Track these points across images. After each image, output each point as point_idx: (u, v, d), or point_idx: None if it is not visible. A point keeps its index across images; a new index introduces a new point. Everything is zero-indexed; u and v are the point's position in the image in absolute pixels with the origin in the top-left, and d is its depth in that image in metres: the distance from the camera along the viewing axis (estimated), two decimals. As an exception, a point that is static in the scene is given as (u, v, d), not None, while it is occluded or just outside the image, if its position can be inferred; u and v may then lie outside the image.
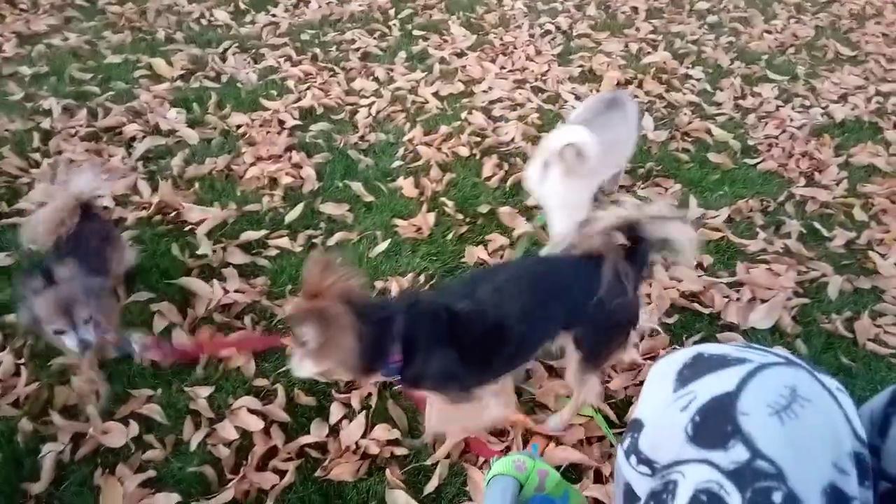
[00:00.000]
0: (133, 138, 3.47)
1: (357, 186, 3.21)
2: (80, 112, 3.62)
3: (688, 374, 0.73)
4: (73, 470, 2.01)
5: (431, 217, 3.04)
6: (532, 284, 1.80)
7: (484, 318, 1.72)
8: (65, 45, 4.32)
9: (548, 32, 4.89)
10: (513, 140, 3.62)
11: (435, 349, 1.70)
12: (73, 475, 1.99)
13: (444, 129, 3.68)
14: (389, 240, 2.90)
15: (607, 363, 2.02)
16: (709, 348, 0.76)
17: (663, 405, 0.73)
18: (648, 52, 4.64)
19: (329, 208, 3.08)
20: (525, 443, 2.14)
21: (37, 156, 3.31)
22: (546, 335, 1.86)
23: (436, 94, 4.04)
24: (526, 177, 2.68)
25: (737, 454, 0.63)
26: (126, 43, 4.38)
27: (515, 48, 4.62)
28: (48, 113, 3.61)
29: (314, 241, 2.90)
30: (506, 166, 3.41)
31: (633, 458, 0.76)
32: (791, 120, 3.95)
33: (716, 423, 0.66)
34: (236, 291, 2.58)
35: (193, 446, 2.06)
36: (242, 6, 4.98)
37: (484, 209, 3.12)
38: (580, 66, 4.44)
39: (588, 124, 2.55)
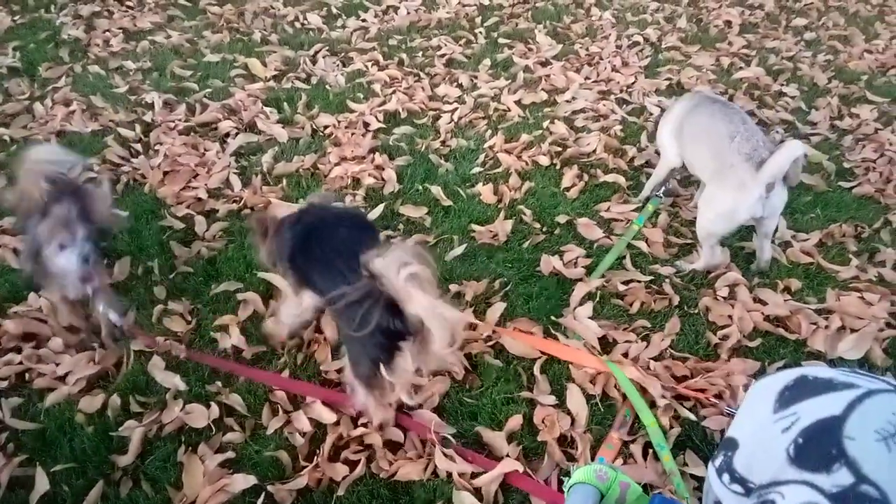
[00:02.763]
0: (227, 134, 3.63)
1: (436, 190, 3.25)
2: (180, 107, 3.82)
3: (790, 396, 0.72)
4: (157, 446, 2.11)
5: (509, 224, 3.05)
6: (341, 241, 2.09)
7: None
8: (167, 43, 4.56)
9: (636, 44, 4.82)
10: (594, 151, 3.59)
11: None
12: (157, 451, 2.10)
13: (525, 137, 3.68)
14: (466, 244, 2.93)
15: (354, 376, 2.03)
16: (813, 371, 0.74)
17: (762, 425, 0.72)
18: (741, 67, 4.50)
19: (408, 210, 3.14)
20: (592, 458, 2.11)
21: (138, 146, 3.51)
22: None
23: (518, 103, 4.05)
24: (741, 204, 2.56)
25: (841, 478, 0.62)
26: (224, 43, 4.59)
27: (601, 59, 4.58)
28: (150, 106, 3.83)
29: (392, 241, 2.95)
30: (586, 177, 3.39)
31: (725, 476, 0.75)
32: (890, 143, 3.74)
33: (820, 446, 0.65)
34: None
35: (270, 431, 2.14)
36: (335, 11, 5.13)
37: (562, 219, 3.11)
38: (668, 78, 4.36)
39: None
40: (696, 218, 3.05)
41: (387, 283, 1.71)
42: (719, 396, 2.27)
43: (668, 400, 2.22)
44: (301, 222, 2.22)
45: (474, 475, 2.01)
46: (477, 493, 1.97)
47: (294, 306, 2.34)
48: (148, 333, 2.44)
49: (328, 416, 2.15)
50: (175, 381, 2.28)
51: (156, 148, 3.49)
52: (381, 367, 1.87)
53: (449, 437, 2.09)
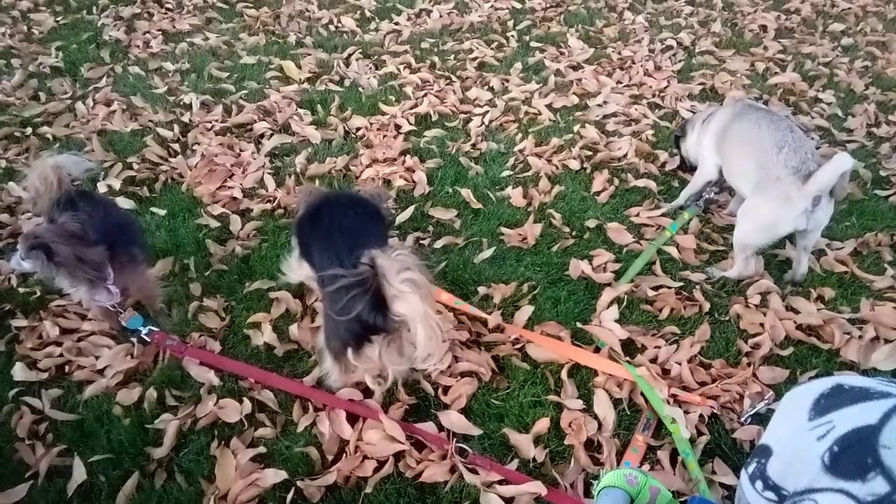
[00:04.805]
0: (262, 135, 3.69)
1: (466, 193, 3.27)
2: (216, 108, 3.90)
3: (826, 404, 0.73)
4: (192, 439, 2.16)
5: (538, 228, 3.06)
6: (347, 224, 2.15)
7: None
8: (205, 45, 4.65)
9: (669, 48, 4.79)
10: (625, 156, 3.58)
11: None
12: (192, 444, 2.15)
13: (555, 141, 3.68)
14: (494, 247, 2.95)
15: (325, 346, 2.14)
16: (849, 380, 0.75)
17: (797, 433, 0.73)
18: (776, 73, 4.44)
19: (438, 212, 3.16)
20: (618, 462, 2.11)
21: (176, 146, 3.59)
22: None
23: (549, 106, 4.04)
24: (785, 217, 2.52)
25: (876, 486, 0.62)
26: (260, 45, 4.67)
27: (634, 63, 4.55)
28: (188, 107, 3.91)
29: (422, 242, 2.98)
30: (616, 182, 3.38)
31: (758, 484, 0.76)
32: (929, 152, 3.68)
33: (855, 455, 0.66)
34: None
35: (300, 428, 2.17)
36: (368, 14, 5.18)
37: (591, 223, 3.10)
38: (701, 83, 4.32)
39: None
40: (728, 225, 3.04)
41: (385, 280, 1.79)
42: (724, 404, 2.27)
43: (672, 405, 2.23)
44: (317, 201, 2.31)
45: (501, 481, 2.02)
46: (507, 500, 1.97)
47: (296, 266, 2.39)
48: (181, 341, 2.47)
49: (347, 432, 2.16)
50: (209, 377, 2.33)
51: (193, 148, 3.57)
52: (349, 350, 1.99)
53: (466, 447, 2.09)
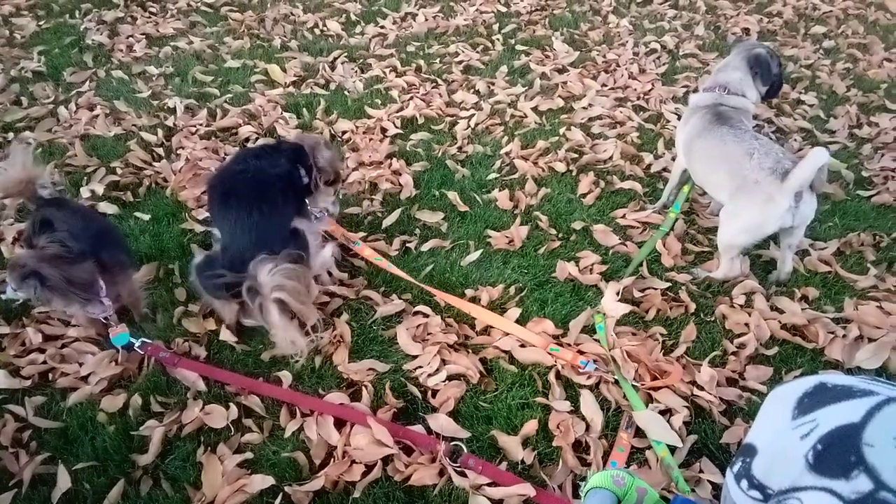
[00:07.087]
0: (247, 139, 3.68)
1: (453, 196, 3.27)
2: (201, 112, 3.88)
3: (809, 403, 0.73)
4: (177, 445, 2.14)
5: (524, 230, 3.07)
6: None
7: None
8: (189, 48, 4.63)
9: (653, 51, 4.82)
10: (611, 158, 3.59)
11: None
12: (177, 450, 2.13)
13: (541, 143, 3.70)
14: (481, 250, 2.95)
15: None
16: (832, 378, 0.75)
17: (781, 432, 0.73)
18: (758, 75, 4.48)
19: (424, 215, 3.16)
20: (605, 463, 2.12)
21: (160, 150, 3.56)
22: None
23: (535, 109, 4.06)
24: (770, 216, 2.53)
25: (860, 484, 0.63)
26: (245, 49, 4.65)
27: (618, 66, 4.58)
28: (172, 111, 3.89)
29: (408, 245, 2.98)
30: (602, 184, 3.39)
31: (743, 483, 0.76)
32: (911, 152, 3.72)
33: (839, 453, 0.66)
34: (336, 291, 2.70)
35: (288, 433, 2.16)
36: (353, 17, 5.17)
37: (577, 225, 3.11)
38: (685, 86, 4.35)
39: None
40: (713, 226, 3.06)
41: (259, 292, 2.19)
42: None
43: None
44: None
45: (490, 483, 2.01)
46: (496, 503, 1.97)
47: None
48: (167, 349, 2.44)
49: (335, 437, 2.14)
50: (195, 382, 2.31)
51: (177, 152, 3.55)
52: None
53: (461, 444, 2.09)
